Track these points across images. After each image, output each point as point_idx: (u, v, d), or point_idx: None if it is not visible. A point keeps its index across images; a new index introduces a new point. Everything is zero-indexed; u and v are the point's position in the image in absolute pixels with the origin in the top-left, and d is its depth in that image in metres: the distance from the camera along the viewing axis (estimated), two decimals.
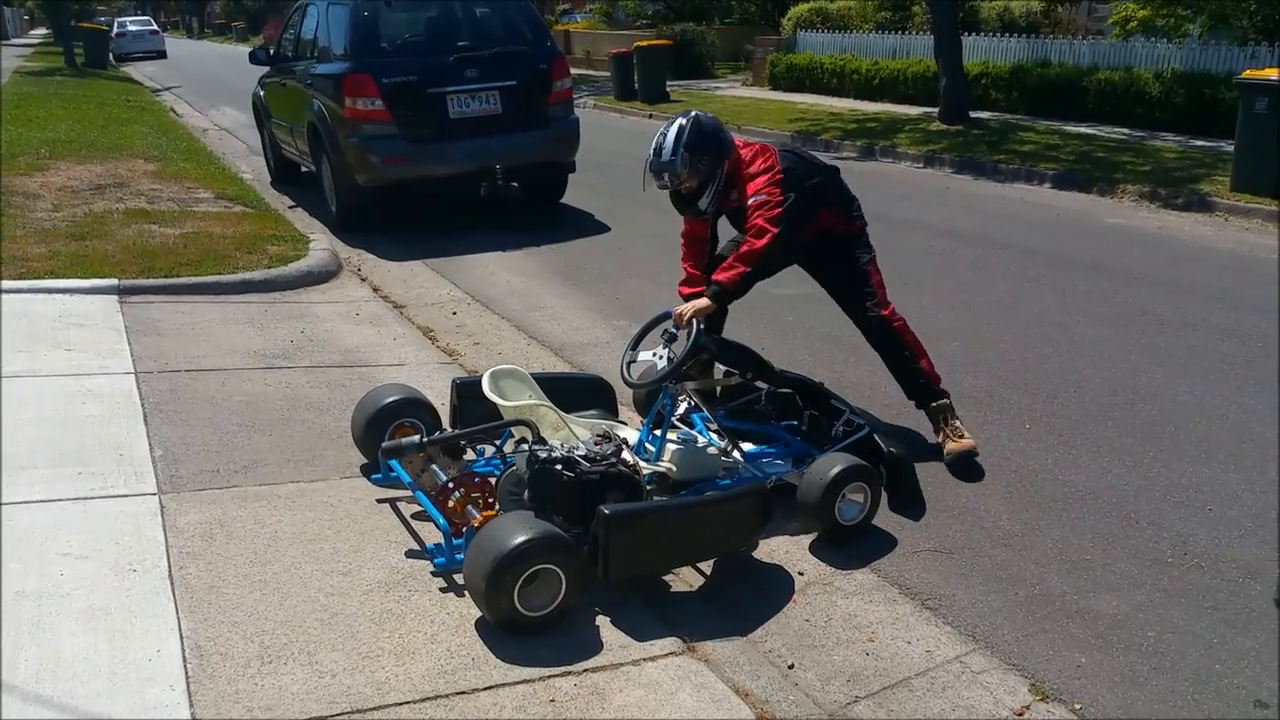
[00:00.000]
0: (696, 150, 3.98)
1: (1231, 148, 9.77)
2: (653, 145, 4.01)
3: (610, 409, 4.10)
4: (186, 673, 2.65)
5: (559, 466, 3.16)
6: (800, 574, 3.43)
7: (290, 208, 9.31)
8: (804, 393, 4.13)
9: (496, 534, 2.89)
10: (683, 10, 28.06)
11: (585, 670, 2.80)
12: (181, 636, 2.80)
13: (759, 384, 4.09)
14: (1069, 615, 3.20)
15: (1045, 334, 5.81)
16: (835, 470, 3.50)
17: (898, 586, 3.38)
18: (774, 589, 3.34)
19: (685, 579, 3.38)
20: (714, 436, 3.80)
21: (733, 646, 3.00)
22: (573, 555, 2.93)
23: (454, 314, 6.20)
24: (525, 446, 3.27)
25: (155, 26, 44.42)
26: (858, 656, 3.00)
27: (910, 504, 3.88)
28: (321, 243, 7.41)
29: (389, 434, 3.79)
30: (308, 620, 2.93)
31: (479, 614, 2.98)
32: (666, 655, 2.90)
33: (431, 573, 3.23)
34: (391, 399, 3.86)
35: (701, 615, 3.17)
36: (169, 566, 3.15)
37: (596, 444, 3.34)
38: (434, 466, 3.53)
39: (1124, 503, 3.89)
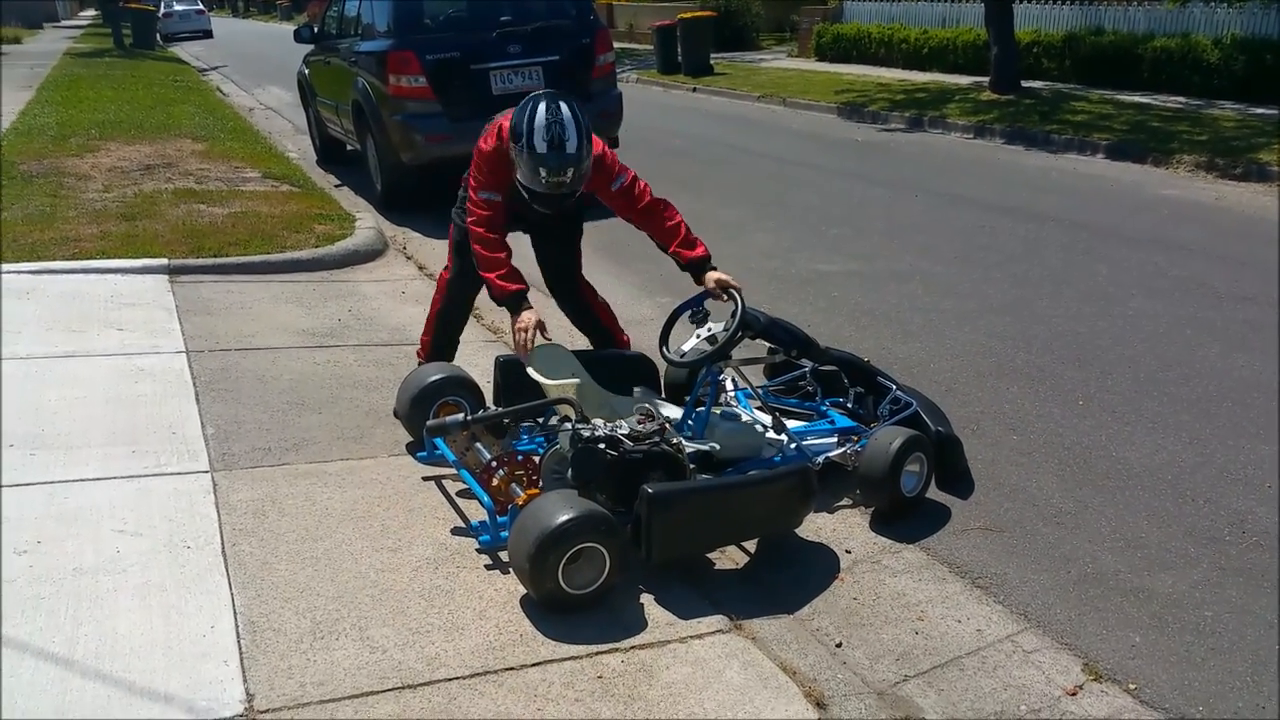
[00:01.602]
0: (590, 136, 3.52)
1: None
2: (543, 137, 3.36)
3: (654, 386, 4.06)
4: (240, 648, 2.69)
5: (602, 445, 3.14)
6: (848, 552, 3.41)
7: (336, 186, 9.38)
8: (850, 370, 4.07)
9: (540, 512, 2.89)
10: None
11: (632, 647, 2.80)
12: (235, 612, 2.85)
13: (803, 361, 4.03)
14: (1123, 594, 3.15)
15: (1098, 308, 5.69)
16: (897, 443, 3.50)
17: (947, 565, 3.34)
18: (821, 567, 3.32)
19: (731, 557, 3.37)
20: (759, 415, 3.77)
21: (780, 625, 2.99)
22: (616, 534, 2.93)
23: None
24: (569, 425, 3.26)
25: (201, 6, 44.80)
26: (907, 635, 2.98)
27: (958, 482, 3.83)
28: (367, 221, 7.46)
29: (433, 412, 3.80)
30: (358, 596, 2.97)
31: (525, 591, 3.00)
32: (713, 633, 2.90)
33: (477, 550, 3.25)
34: (435, 377, 3.88)
35: (748, 594, 3.16)
36: (222, 543, 3.20)
37: (640, 423, 3.32)
38: (478, 445, 3.54)
39: (1180, 480, 3.81)
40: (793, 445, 3.62)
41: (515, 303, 3.60)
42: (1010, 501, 3.72)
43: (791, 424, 3.77)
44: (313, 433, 4.05)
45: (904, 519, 3.58)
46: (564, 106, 3.42)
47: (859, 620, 3.05)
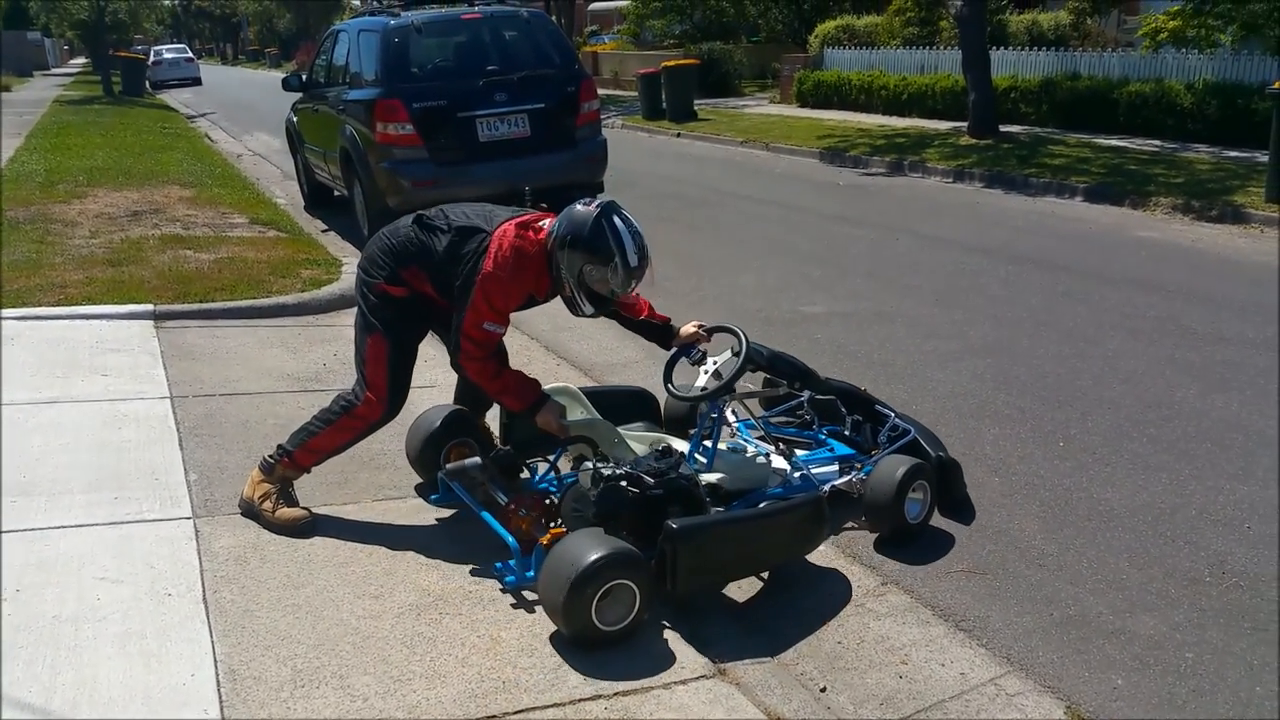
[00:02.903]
0: None
1: (1265, 159, 9.64)
2: (634, 250, 3.35)
3: (655, 420, 4.13)
4: (220, 696, 2.67)
5: (624, 483, 3.20)
6: (832, 595, 3.41)
7: (323, 231, 9.42)
8: (847, 399, 4.16)
9: (572, 551, 2.95)
10: (709, 29, 28.18)
11: (616, 694, 2.79)
12: (215, 660, 2.83)
13: (799, 392, 4.08)
14: (1105, 636, 3.16)
15: (1078, 349, 5.75)
16: (902, 470, 3.62)
17: (931, 608, 3.35)
18: (806, 609, 3.32)
19: (716, 598, 3.37)
20: (762, 445, 3.83)
21: (764, 669, 2.98)
22: (645, 570, 2.99)
23: None
24: (587, 464, 3.34)
25: (190, 54, 45.24)
26: (891, 679, 2.98)
27: (960, 507, 3.90)
28: (354, 266, 7.48)
29: (445, 454, 3.84)
30: (340, 644, 2.95)
31: (508, 637, 2.99)
32: (697, 678, 2.89)
33: (501, 590, 3.26)
34: (446, 419, 3.92)
35: (732, 636, 3.16)
36: (203, 590, 3.18)
37: (657, 459, 3.38)
38: (492, 486, 3.57)
39: (1160, 521, 3.84)
40: (797, 474, 3.70)
41: (540, 404, 3.55)
42: (993, 543, 3.73)
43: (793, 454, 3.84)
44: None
45: (907, 546, 3.67)
46: (625, 214, 3.43)
47: (843, 664, 3.05)
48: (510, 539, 3.30)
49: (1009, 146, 13.23)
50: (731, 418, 3.94)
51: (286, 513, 3.62)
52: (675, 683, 2.86)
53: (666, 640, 3.06)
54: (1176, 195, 9.90)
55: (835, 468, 3.87)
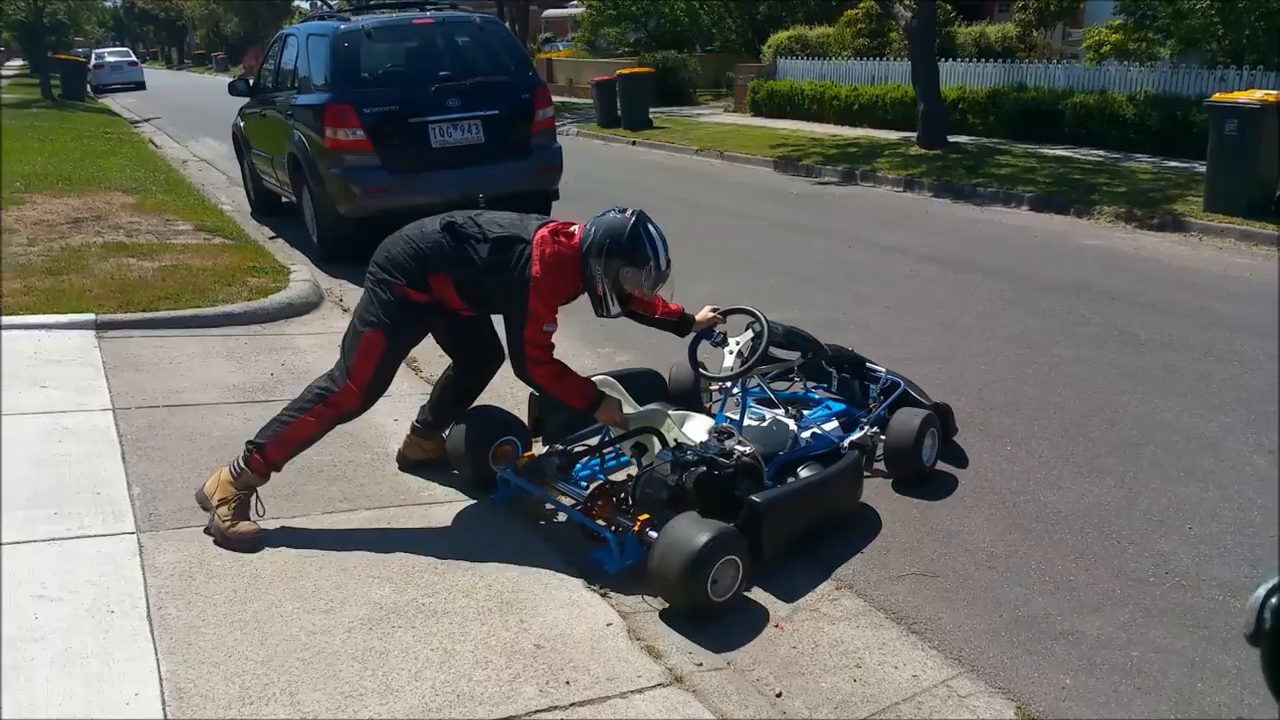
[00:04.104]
0: None
1: (1204, 168, 9.89)
2: (664, 255, 3.67)
3: (665, 399, 4.42)
4: (165, 716, 2.61)
5: (706, 467, 3.52)
6: (787, 600, 3.42)
7: (271, 239, 9.29)
8: (845, 362, 4.60)
9: (683, 534, 3.19)
10: (664, 38, 28.31)
11: (572, 704, 2.77)
12: (161, 679, 2.76)
13: (811, 360, 4.46)
14: (1054, 637, 3.20)
15: (1025, 355, 5.85)
16: (918, 420, 4.14)
17: (883, 611, 3.37)
18: (760, 616, 3.33)
19: (670, 605, 3.37)
20: (770, 411, 4.20)
21: (720, 676, 2.98)
22: (745, 545, 3.28)
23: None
24: (659, 451, 3.69)
25: (134, 58, 44.45)
26: (845, 683, 2.99)
27: (951, 448, 4.46)
28: (302, 274, 7.40)
29: (492, 453, 4.01)
30: (289, 660, 2.90)
31: (462, 650, 2.96)
32: (654, 686, 2.88)
33: (607, 572, 3.43)
34: (493, 419, 4.12)
35: (688, 644, 3.15)
36: (148, 607, 3.11)
37: (719, 439, 3.71)
38: (561, 479, 3.79)
39: (1106, 523, 3.91)
40: (806, 434, 4.09)
41: (599, 401, 3.78)
42: (944, 546, 3.77)
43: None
44: None
45: (921, 486, 4.17)
46: (645, 219, 3.70)
47: (798, 669, 3.06)
48: (603, 529, 3.52)
49: (957, 156, 13.43)
50: (736, 390, 4.28)
51: (242, 527, 3.56)
52: (632, 692, 2.85)
53: (623, 650, 3.05)
54: (1119, 204, 10.11)
55: (836, 424, 4.28)
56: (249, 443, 3.69)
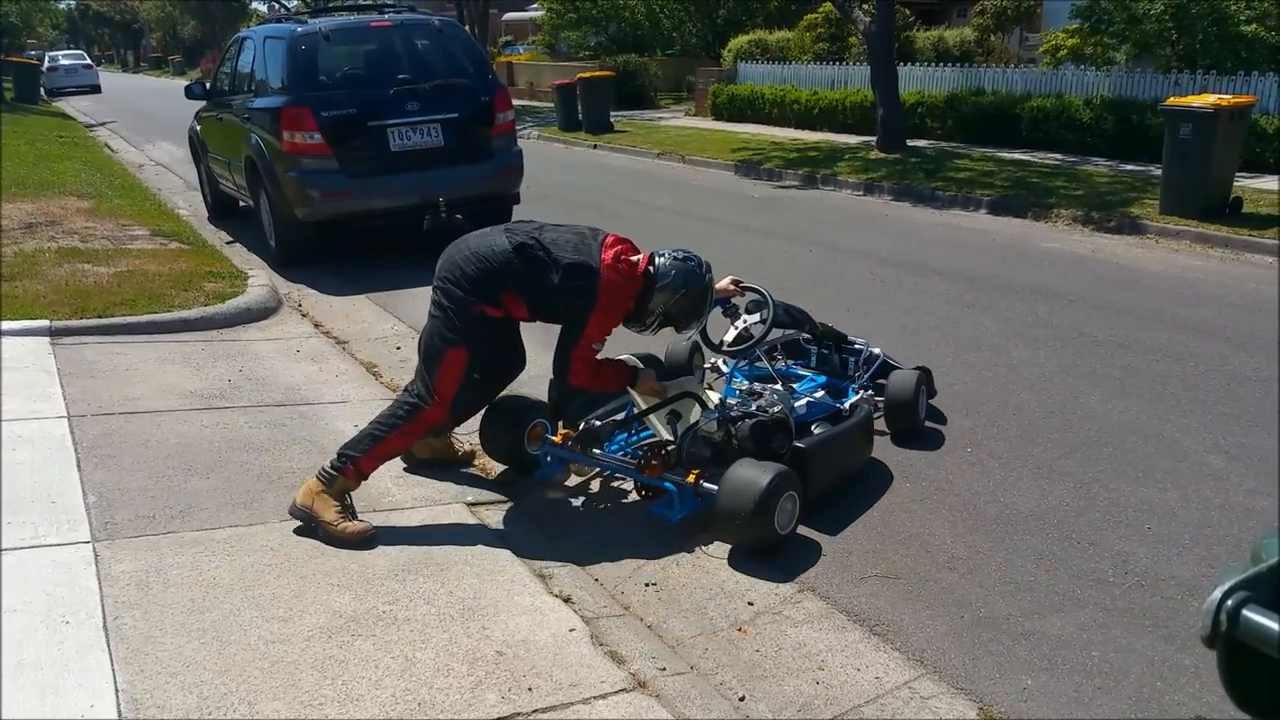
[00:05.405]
0: None
1: (1159, 172, 10.05)
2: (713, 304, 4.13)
3: (665, 375, 4.58)
4: None
5: (754, 420, 3.91)
6: (750, 604, 3.43)
7: (228, 243, 9.17)
8: (822, 338, 4.97)
9: (750, 475, 3.58)
10: (624, 42, 28.37)
11: (535, 711, 2.76)
12: (117, 690, 2.71)
13: (809, 336, 4.95)
14: (1015, 638, 3.23)
15: (984, 358, 5.91)
16: (914, 379, 4.62)
17: (846, 613, 3.38)
18: (723, 619, 3.33)
19: (635, 610, 3.36)
20: (766, 386, 4.48)
21: (683, 681, 2.98)
22: (798, 484, 3.68)
23: (398, 349, 6.14)
24: (701, 412, 4.04)
25: (89, 60, 43.76)
26: (808, 686, 3.00)
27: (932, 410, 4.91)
28: (260, 279, 7.31)
29: (526, 435, 4.27)
30: (248, 669, 2.86)
31: (423, 657, 2.94)
32: (617, 692, 2.87)
33: (669, 526, 3.80)
34: (524, 405, 4.34)
35: (651, 649, 3.14)
36: (104, 617, 3.05)
37: (755, 397, 4.17)
38: (606, 446, 4.12)
39: (1065, 524, 3.95)
40: (799, 403, 4.36)
41: (636, 377, 4.10)
42: (905, 548, 3.80)
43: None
44: (200, 499, 3.92)
45: (916, 440, 4.63)
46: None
47: (761, 673, 3.07)
48: (665, 484, 3.85)
49: (916, 160, 13.55)
50: (724, 366, 4.75)
51: (354, 527, 3.67)
52: (595, 697, 2.84)
53: (586, 655, 3.03)
54: (1077, 207, 10.25)
55: (824, 393, 4.61)
56: (342, 454, 3.80)
